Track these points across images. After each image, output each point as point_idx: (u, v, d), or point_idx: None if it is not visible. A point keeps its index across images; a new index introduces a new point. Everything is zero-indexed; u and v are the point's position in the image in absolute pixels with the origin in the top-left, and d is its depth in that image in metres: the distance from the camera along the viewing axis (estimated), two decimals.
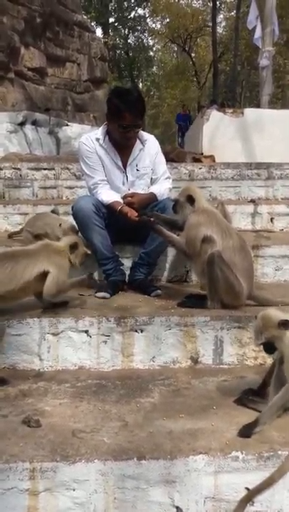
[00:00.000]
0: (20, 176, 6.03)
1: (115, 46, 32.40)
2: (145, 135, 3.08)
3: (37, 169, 6.14)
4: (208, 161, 6.76)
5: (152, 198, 2.99)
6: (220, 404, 2.05)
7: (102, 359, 2.40)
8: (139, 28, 32.86)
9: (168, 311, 2.53)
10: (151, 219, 2.74)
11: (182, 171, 6.09)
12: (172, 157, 6.59)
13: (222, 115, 8.38)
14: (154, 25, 33.63)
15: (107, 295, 2.80)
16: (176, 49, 35.16)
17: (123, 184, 3.02)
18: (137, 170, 3.03)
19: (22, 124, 12.62)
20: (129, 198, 2.91)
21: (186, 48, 31.32)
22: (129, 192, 2.97)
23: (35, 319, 2.38)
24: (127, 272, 3.06)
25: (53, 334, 2.39)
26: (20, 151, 11.57)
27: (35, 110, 13.37)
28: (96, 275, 3.17)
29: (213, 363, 2.45)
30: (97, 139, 2.97)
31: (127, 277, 3.05)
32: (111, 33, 30.65)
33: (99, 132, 3.00)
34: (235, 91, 27.67)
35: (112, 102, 2.86)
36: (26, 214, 4.21)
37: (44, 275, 2.40)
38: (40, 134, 13.39)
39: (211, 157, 7.19)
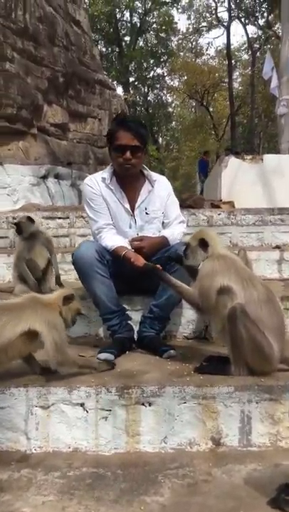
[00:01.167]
0: None
1: (135, 103, 33.66)
2: (155, 176, 2.79)
3: (51, 218, 5.95)
4: (227, 207, 6.46)
5: (164, 243, 2.64)
6: (250, 507, 1.57)
7: (102, 440, 1.96)
8: (158, 85, 34.20)
9: (183, 378, 2.09)
10: (159, 266, 2.37)
11: (200, 218, 5.80)
12: (190, 204, 6.32)
13: (240, 162, 8.19)
14: (172, 83, 35.02)
15: (110, 356, 2.38)
16: (194, 104, 36.30)
17: (130, 228, 2.69)
18: (147, 213, 2.72)
19: (44, 177, 12.82)
20: (138, 242, 2.57)
21: (204, 103, 32.25)
22: (138, 236, 2.64)
23: (20, 389, 1.98)
24: (136, 328, 2.66)
25: (43, 407, 1.97)
26: (43, 203, 11.65)
27: (58, 164, 13.61)
28: (101, 332, 2.79)
29: (239, 444, 1.97)
30: (103, 179, 2.69)
31: (135, 333, 2.64)
32: (131, 91, 31.96)
33: (105, 172, 2.73)
34: (253, 142, 28.04)
35: (108, 129, 2.69)
36: None
37: (31, 334, 2.01)
38: (63, 187, 13.55)
39: (230, 203, 6.89)
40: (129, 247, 2.58)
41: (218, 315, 2.18)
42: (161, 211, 2.75)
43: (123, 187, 2.69)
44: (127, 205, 2.69)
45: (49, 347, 2.00)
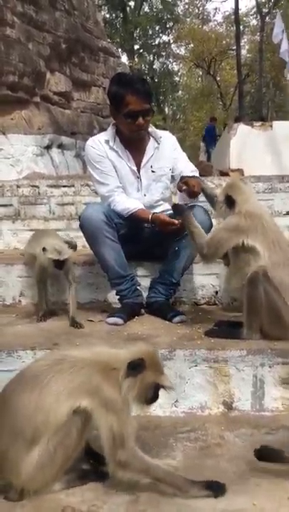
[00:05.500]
0: (39, 193, 5.75)
1: (140, 72, 32.81)
2: (159, 132, 2.66)
3: (56, 186, 5.86)
4: (236, 175, 6.31)
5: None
6: (263, 470, 1.53)
7: None
8: (164, 53, 33.23)
9: (193, 342, 2.04)
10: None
11: (208, 186, 5.67)
12: None
13: (250, 129, 7.99)
14: (178, 51, 33.99)
15: (119, 321, 2.33)
16: (200, 73, 35.34)
17: (138, 191, 2.59)
18: (153, 171, 2.60)
19: (48, 147, 12.59)
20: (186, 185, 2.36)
21: (211, 72, 31.37)
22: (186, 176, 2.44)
23: (28, 352, 1.93)
24: (145, 293, 2.60)
25: None
26: (47, 174, 11.50)
27: (62, 134, 13.34)
28: (109, 297, 2.73)
29: (252, 408, 1.93)
30: (107, 141, 2.56)
31: (144, 299, 2.58)
32: (136, 59, 31.10)
33: (107, 134, 2.60)
34: (261, 111, 27.34)
35: (111, 92, 2.48)
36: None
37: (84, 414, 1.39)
38: (67, 157, 13.33)
39: (239, 171, 6.74)
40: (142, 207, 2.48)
41: (240, 271, 2.11)
42: (168, 167, 2.63)
43: (128, 147, 2.57)
44: (134, 167, 2.57)
45: (104, 439, 1.37)
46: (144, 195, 2.59)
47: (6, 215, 4.99)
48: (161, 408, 1.92)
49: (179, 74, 36.11)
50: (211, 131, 15.80)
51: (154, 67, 33.74)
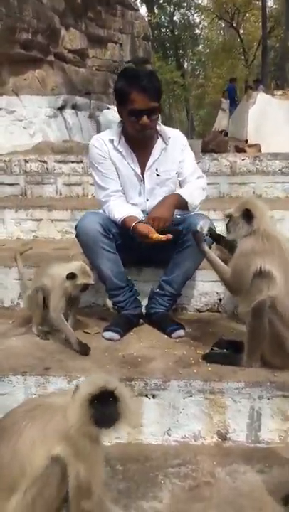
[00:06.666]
0: (47, 169, 5.63)
1: (160, 24, 31.27)
2: (169, 131, 2.47)
3: (64, 162, 5.71)
4: (252, 151, 6.02)
5: (179, 202, 2.32)
6: None
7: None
8: (185, 4, 31.48)
9: (189, 369, 1.95)
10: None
11: (223, 163, 5.44)
12: (212, 148, 5.91)
13: (270, 98, 7.54)
14: (200, 1, 32.12)
15: (115, 336, 2.26)
16: (223, 25, 33.46)
17: (140, 195, 2.44)
18: (158, 175, 2.43)
19: (61, 108, 12.32)
20: (154, 222, 2.23)
21: (234, 24, 29.66)
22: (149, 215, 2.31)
23: (18, 377, 1.88)
24: (145, 301, 2.50)
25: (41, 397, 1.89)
26: (60, 136, 11.27)
27: (76, 94, 12.98)
28: (109, 302, 2.64)
29: (247, 440, 1.87)
30: (111, 141, 2.39)
31: (144, 309, 2.50)
32: (156, 11, 29.56)
33: (112, 133, 2.42)
34: (284, 69, 25.91)
35: (117, 87, 2.30)
36: (40, 220, 3.75)
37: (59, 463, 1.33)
38: (80, 119, 13.05)
39: (256, 146, 6.42)
40: (139, 217, 2.34)
41: (249, 297, 1.95)
42: (174, 171, 2.46)
43: (133, 148, 2.40)
44: (138, 169, 2.40)
45: (70, 487, 1.32)
46: (147, 199, 2.44)
47: (13, 194, 4.90)
48: (153, 436, 1.88)
49: (200, 26, 34.38)
50: (232, 92, 15.06)
51: (174, 18, 32.11)
